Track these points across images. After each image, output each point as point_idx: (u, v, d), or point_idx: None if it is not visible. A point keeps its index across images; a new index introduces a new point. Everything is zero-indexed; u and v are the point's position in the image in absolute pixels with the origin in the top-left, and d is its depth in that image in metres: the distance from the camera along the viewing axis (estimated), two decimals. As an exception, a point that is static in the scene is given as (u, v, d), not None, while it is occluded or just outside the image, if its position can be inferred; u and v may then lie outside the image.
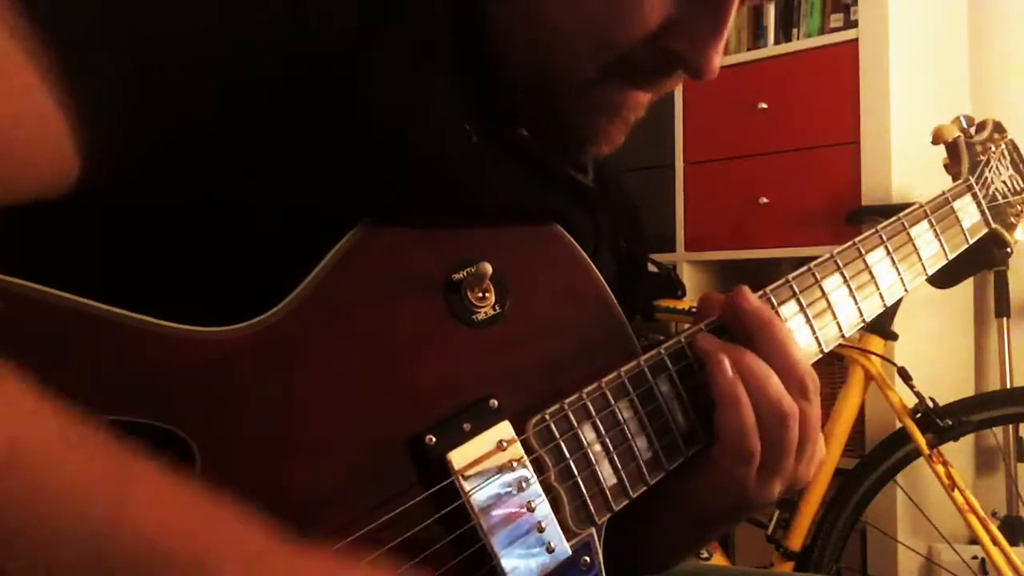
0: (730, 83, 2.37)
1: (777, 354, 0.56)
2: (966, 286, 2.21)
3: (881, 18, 2.09)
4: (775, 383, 0.55)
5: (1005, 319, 2.12)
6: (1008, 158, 0.86)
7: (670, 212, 2.46)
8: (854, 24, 2.17)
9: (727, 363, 0.55)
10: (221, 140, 0.45)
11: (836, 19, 2.24)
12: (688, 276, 2.40)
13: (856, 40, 2.14)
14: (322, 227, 0.48)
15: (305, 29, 0.47)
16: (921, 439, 1.76)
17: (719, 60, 0.54)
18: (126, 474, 0.36)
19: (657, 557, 0.66)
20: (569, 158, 0.63)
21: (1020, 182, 0.86)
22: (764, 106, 2.29)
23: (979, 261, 2.01)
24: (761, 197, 2.28)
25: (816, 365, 0.60)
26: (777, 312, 0.62)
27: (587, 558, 0.52)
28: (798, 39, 2.32)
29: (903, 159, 2.06)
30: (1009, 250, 0.83)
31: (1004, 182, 0.84)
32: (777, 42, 2.36)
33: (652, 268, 2.10)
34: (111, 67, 0.41)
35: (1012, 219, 0.84)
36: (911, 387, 1.78)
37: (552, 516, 0.50)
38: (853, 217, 2.04)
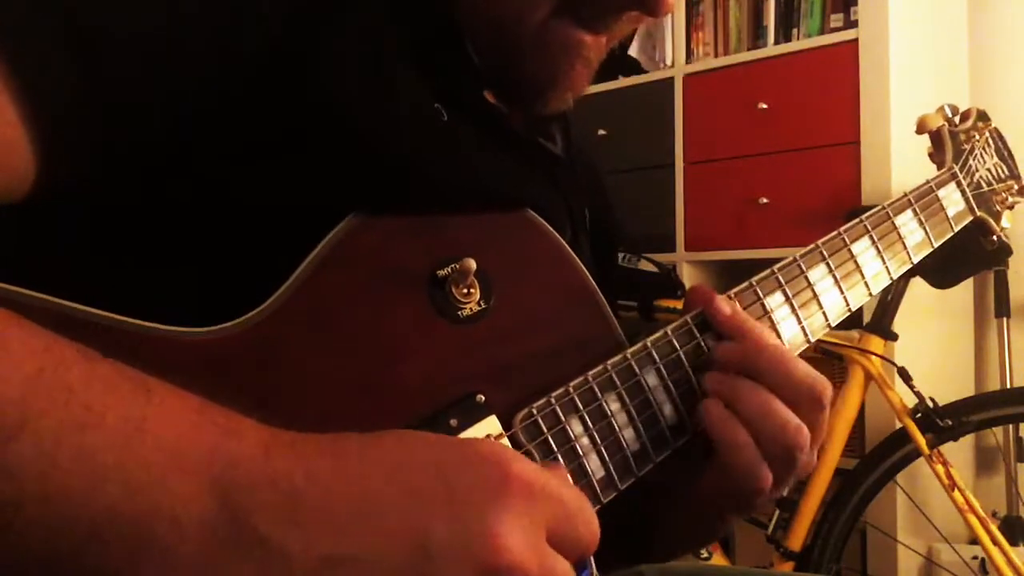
0: (730, 83, 2.37)
1: (771, 369, 0.55)
2: (966, 286, 2.20)
3: (881, 18, 2.09)
4: (778, 416, 0.54)
5: (1005, 319, 2.12)
6: (993, 146, 0.85)
7: (670, 212, 2.46)
8: (854, 24, 2.17)
9: (717, 406, 0.54)
10: (181, 142, 0.46)
11: (836, 19, 2.24)
12: (688, 276, 2.40)
13: (856, 40, 2.13)
14: (304, 225, 0.48)
15: (242, 30, 0.47)
16: (921, 439, 1.76)
17: None
18: (142, 386, 0.36)
19: (661, 549, 0.66)
20: (536, 126, 0.63)
21: (1005, 170, 0.86)
22: (764, 106, 2.28)
23: (979, 261, 2.01)
24: (761, 197, 2.28)
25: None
26: (763, 303, 0.62)
27: None
28: (798, 39, 2.32)
29: (903, 159, 2.06)
30: (995, 238, 0.82)
31: (989, 170, 0.83)
32: (777, 42, 2.36)
33: (652, 268, 2.10)
34: (65, 67, 0.41)
35: (998, 207, 0.83)
36: (911, 387, 1.78)
37: (540, 510, 0.50)
38: (852, 216, 2.03)
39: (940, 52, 2.27)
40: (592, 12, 0.55)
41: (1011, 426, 2.06)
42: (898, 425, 1.83)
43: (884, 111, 2.07)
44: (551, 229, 0.56)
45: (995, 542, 1.72)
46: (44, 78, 0.41)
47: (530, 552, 0.36)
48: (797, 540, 1.92)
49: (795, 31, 2.33)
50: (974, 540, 1.80)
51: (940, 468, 1.75)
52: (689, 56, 2.53)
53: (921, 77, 2.17)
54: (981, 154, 0.83)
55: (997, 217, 0.83)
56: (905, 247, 0.72)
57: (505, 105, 0.61)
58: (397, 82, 0.52)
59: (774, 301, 0.63)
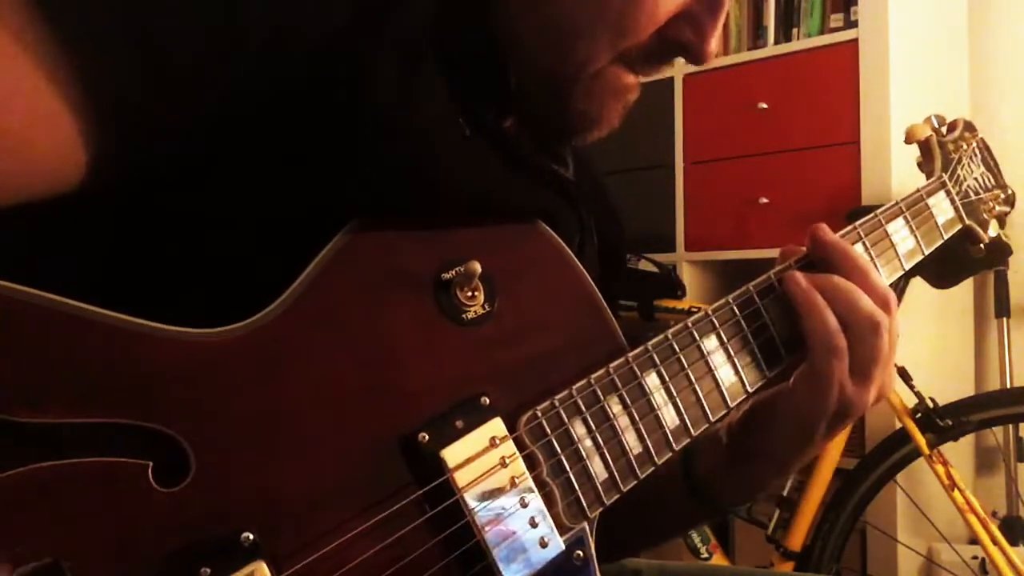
0: (730, 83, 2.37)
1: (860, 277, 0.62)
2: (966, 286, 2.20)
3: (881, 18, 2.09)
4: (864, 298, 0.61)
5: (1005, 319, 2.12)
6: (979, 156, 0.87)
7: (670, 212, 2.46)
8: (854, 24, 2.17)
9: (799, 277, 0.62)
10: (217, 141, 0.46)
11: (836, 19, 2.24)
12: (688, 276, 2.40)
13: (856, 40, 2.14)
14: (314, 227, 0.48)
15: (300, 29, 0.47)
16: (921, 439, 1.76)
17: (717, 45, 0.59)
18: None
19: (749, 485, 0.68)
20: (550, 151, 0.65)
21: (991, 179, 0.88)
22: (764, 106, 2.29)
23: (979, 261, 2.01)
24: (761, 197, 2.28)
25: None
26: (760, 308, 0.63)
27: (580, 552, 0.53)
28: (798, 39, 2.32)
29: (903, 159, 2.06)
30: (982, 246, 0.84)
31: (976, 179, 0.85)
32: (777, 42, 2.36)
33: (652, 268, 2.10)
34: (120, 66, 0.42)
35: (985, 215, 0.85)
36: (911, 387, 1.78)
37: (545, 511, 0.51)
38: (852, 217, 2.04)
39: (940, 52, 2.27)
40: (645, 58, 0.59)
41: (1011, 426, 2.06)
42: (898, 425, 1.83)
43: (884, 111, 2.07)
44: (556, 236, 0.56)
45: (995, 542, 1.73)
46: (102, 77, 0.41)
47: None
48: (797, 540, 1.93)
49: (795, 31, 2.33)
50: (974, 540, 1.80)
51: (940, 468, 1.75)
52: (689, 56, 2.53)
53: (921, 77, 2.17)
54: (969, 164, 0.85)
55: (985, 225, 0.85)
56: (897, 254, 0.73)
57: (527, 132, 0.62)
58: (425, 94, 0.52)
59: (770, 305, 0.64)
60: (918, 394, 1.78)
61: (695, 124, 2.44)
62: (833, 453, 1.91)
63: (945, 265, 1.86)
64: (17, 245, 0.44)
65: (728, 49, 2.47)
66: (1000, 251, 2.15)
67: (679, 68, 2.49)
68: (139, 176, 0.45)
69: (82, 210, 0.44)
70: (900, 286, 1.89)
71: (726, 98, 2.37)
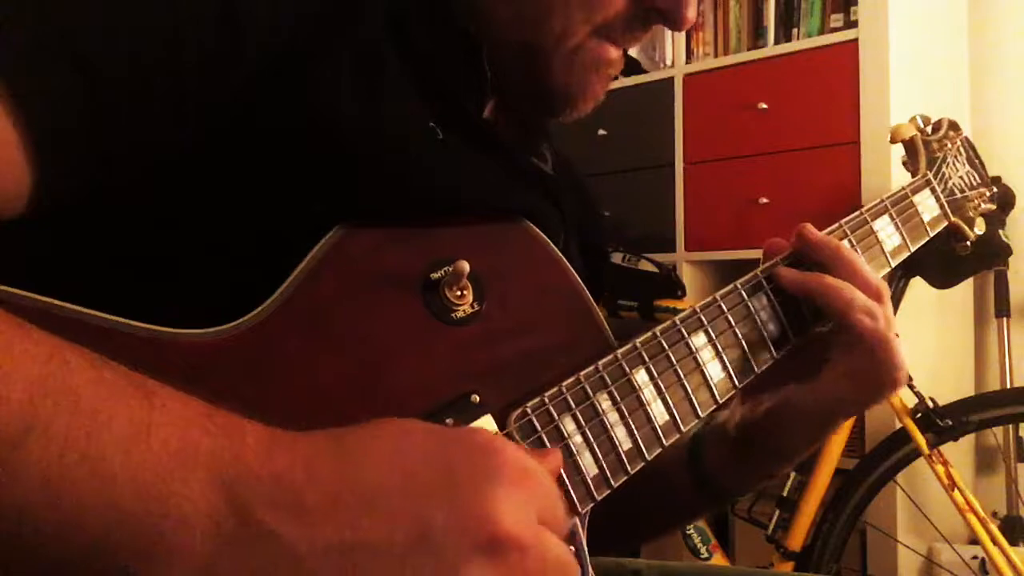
0: (730, 83, 2.37)
1: (850, 273, 0.63)
2: (966, 286, 2.20)
3: (881, 18, 2.09)
4: (858, 294, 0.62)
5: (1005, 319, 2.12)
6: (964, 155, 0.88)
7: (670, 212, 2.46)
8: (854, 24, 2.17)
9: (817, 277, 0.63)
10: (183, 155, 0.46)
11: (836, 19, 2.24)
12: (688, 276, 2.40)
13: (856, 40, 2.13)
14: (300, 232, 0.48)
15: (242, 48, 0.47)
16: (921, 439, 1.76)
17: (695, 10, 0.59)
18: (146, 391, 0.36)
19: (756, 476, 0.70)
20: (531, 145, 0.65)
21: (976, 178, 0.88)
22: (764, 106, 2.29)
23: (979, 261, 2.01)
24: (761, 197, 2.28)
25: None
26: (747, 304, 0.64)
27: (571, 547, 0.53)
28: (798, 39, 2.32)
29: (903, 159, 2.06)
30: (968, 243, 0.85)
31: (961, 178, 0.86)
32: (777, 42, 2.36)
33: (652, 268, 2.10)
34: (65, 91, 0.42)
35: (971, 213, 0.86)
36: (911, 387, 1.78)
37: (536, 507, 0.51)
38: (852, 217, 2.03)
39: (940, 52, 2.27)
40: (623, 29, 0.59)
41: (1011, 426, 2.06)
42: (898, 425, 1.83)
43: (884, 111, 2.07)
44: (542, 235, 0.57)
45: (995, 542, 1.72)
46: (43, 100, 0.41)
47: (524, 527, 0.38)
48: (797, 540, 1.93)
49: (795, 31, 2.33)
50: (974, 540, 1.80)
51: (940, 468, 1.75)
52: (689, 56, 2.53)
53: (921, 77, 2.17)
54: (953, 162, 0.86)
55: (971, 223, 0.86)
56: (883, 251, 0.73)
57: (512, 117, 0.63)
58: (390, 99, 0.52)
59: (758, 303, 0.64)
60: (918, 394, 1.78)
61: (695, 124, 2.44)
62: (833, 453, 1.91)
63: (945, 265, 1.86)
64: (11, 248, 0.44)
65: (728, 49, 2.48)
66: (1000, 251, 2.14)
67: (679, 68, 2.50)
68: (100, 195, 0.45)
69: (72, 214, 0.45)
70: (900, 287, 1.89)
71: (726, 98, 2.37)
